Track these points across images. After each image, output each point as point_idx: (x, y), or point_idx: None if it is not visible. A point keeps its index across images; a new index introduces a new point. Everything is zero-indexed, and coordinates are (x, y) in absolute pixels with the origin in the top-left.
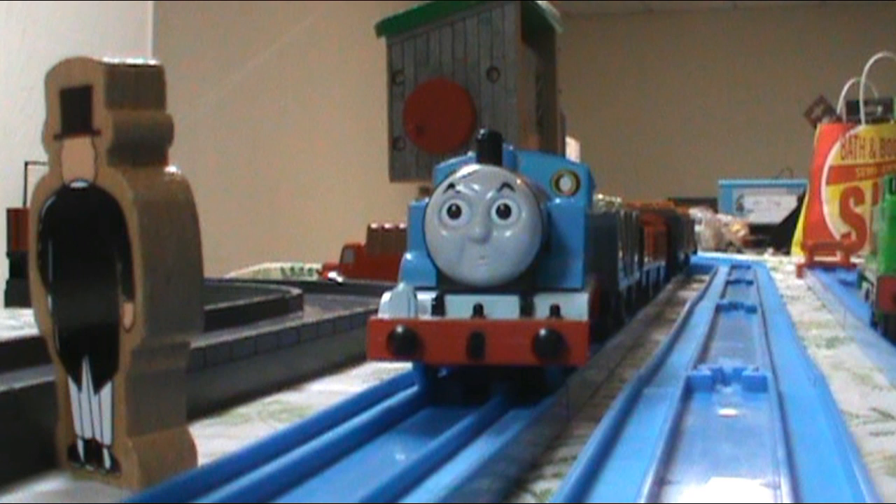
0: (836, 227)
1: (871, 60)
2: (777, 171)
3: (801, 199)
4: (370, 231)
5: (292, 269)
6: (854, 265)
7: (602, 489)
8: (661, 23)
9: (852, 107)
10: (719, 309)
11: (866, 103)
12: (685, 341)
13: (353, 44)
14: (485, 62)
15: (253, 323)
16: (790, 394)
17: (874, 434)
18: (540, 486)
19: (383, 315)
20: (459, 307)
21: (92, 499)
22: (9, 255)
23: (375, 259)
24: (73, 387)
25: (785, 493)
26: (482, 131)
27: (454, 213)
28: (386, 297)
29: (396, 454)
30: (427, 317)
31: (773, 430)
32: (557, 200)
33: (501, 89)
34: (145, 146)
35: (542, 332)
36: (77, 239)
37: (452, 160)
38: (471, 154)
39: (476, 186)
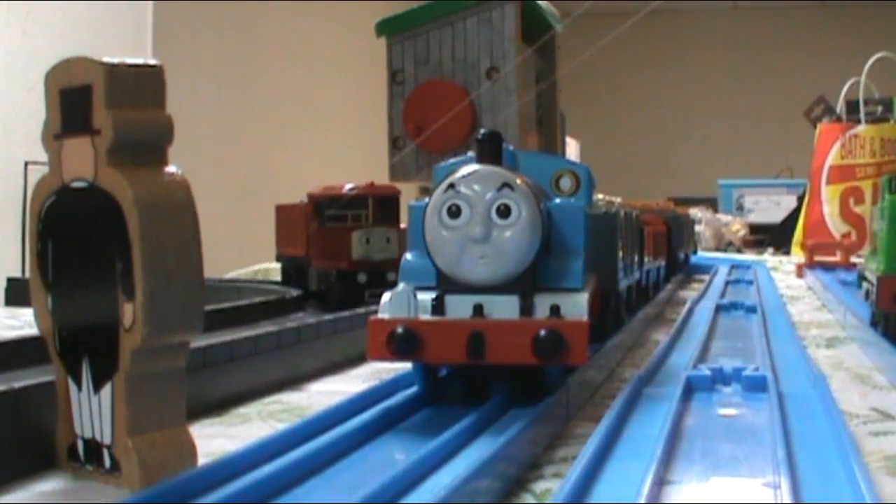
0: (836, 226)
1: (871, 60)
2: (777, 171)
3: (801, 199)
4: None
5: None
6: (854, 265)
7: (602, 489)
8: (661, 23)
9: (852, 107)
10: (719, 309)
11: (866, 103)
12: (685, 341)
13: (353, 44)
14: (485, 62)
15: (253, 323)
16: (790, 394)
17: (874, 434)
18: (540, 485)
19: (383, 315)
20: (459, 307)
21: (92, 499)
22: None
23: None
24: (73, 387)
25: (785, 493)
26: (482, 131)
27: (454, 213)
28: (386, 297)
29: (396, 454)
30: (427, 317)
31: (773, 430)
32: (557, 200)
33: (501, 89)
34: (145, 146)
35: (542, 331)
36: (77, 239)
37: (452, 160)
38: (471, 154)
39: (476, 186)
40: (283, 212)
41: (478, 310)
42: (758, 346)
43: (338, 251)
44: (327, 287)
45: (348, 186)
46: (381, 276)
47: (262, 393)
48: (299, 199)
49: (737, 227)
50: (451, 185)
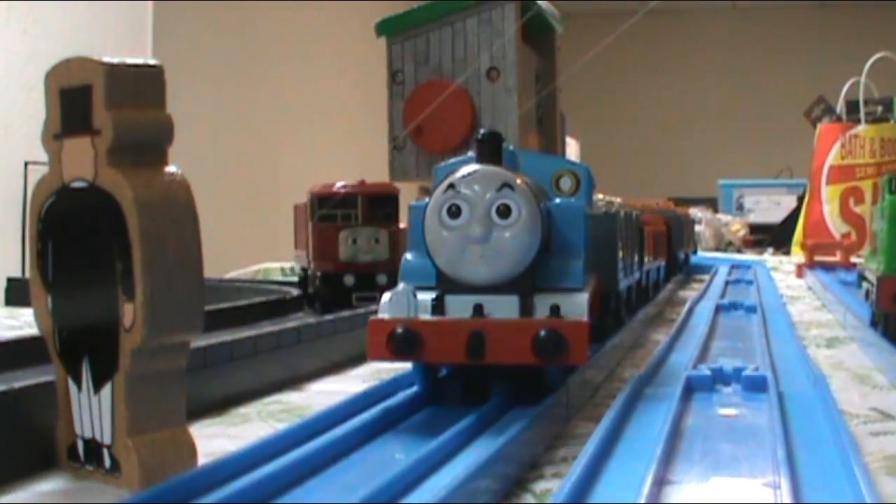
0: (836, 226)
1: (871, 60)
2: (777, 171)
3: (801, 199)
4: None
5: (292, 269)
6: (854, 265)
7: (602, 489)
8: (661, 23)
9: (852, 107)
10: (719, 309)
11: (866, 103)
12: (685, 341)
13: (353, 44)
14: (485, 62)
15: (253, 323)
16: (790, 394)
17: (874, 434)
18: (540, 486)
19: (383, 315)
20: (459, 307)
21: (92, 499)
22: None
23: None
24: (73, 387)
25: (785, 493)
26: (482, 131)
27: (454, 213)
28: (386, 297)
29: (396, 454)
30: (427, 317)
31: (773, 430)
32: (557, 200)
33: (501, 89)
34: (145, 146)
35: (542, 331)
36: (77, 239)
37: (452, 160)
38: (471, 154)
39: (476, 186)
40: (297, 212)
41: (478, 310)
42: (758, 346)
43: (326, 252)
44: (315, 290)
45: (339, 184)
46: (370, 278)
47: (262, 393)
48: (299, 197)
49: (737, 227)
50: (451, 185)
